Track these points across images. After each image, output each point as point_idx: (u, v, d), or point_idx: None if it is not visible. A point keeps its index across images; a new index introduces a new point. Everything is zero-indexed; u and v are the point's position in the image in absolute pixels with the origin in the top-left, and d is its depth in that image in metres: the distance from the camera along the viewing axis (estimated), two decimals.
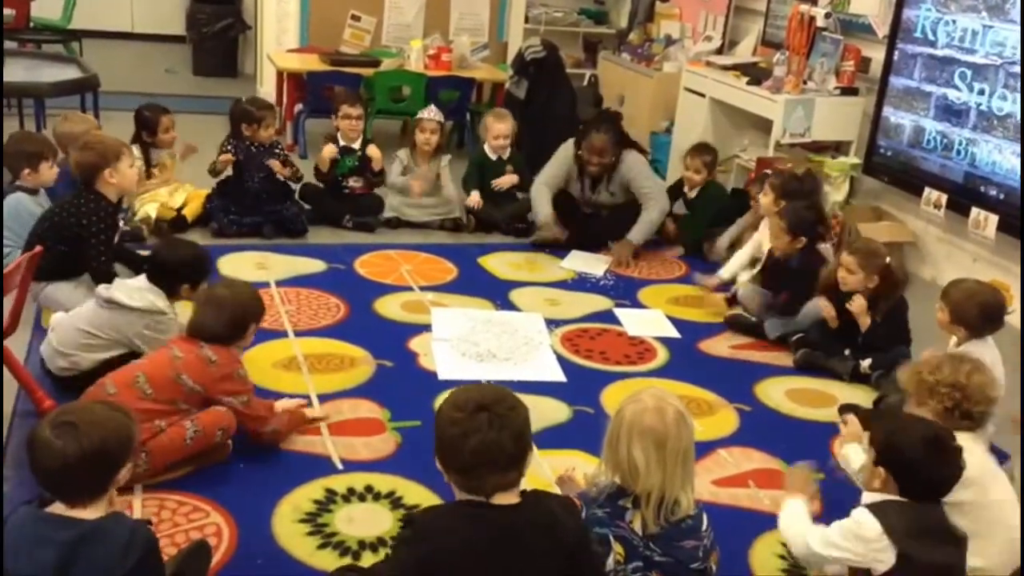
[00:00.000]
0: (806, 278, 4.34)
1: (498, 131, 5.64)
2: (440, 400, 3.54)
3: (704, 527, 2.33)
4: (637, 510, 2.29)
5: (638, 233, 5.28)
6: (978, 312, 3.43)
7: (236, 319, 3.08)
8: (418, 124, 5.57)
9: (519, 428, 2.04)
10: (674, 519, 2.28)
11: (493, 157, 5.69)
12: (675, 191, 5.64)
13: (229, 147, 5.12)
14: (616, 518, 2.31)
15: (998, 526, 2.57)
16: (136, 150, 4.93)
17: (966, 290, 3.49)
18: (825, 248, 4.59)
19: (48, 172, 4.26)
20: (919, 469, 2.32)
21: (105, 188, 3.86)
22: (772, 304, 4.49)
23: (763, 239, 4.76)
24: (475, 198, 5.56)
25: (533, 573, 2.04)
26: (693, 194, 5.56)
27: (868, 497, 2.42)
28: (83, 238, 3.79)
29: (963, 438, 2.42)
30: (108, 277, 3.71)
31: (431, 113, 5.58)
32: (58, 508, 2.07)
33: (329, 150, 5.37)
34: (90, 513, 2.06)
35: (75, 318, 3.41)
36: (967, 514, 2.47)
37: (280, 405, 3.32)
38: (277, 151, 5.22)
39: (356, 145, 5.46)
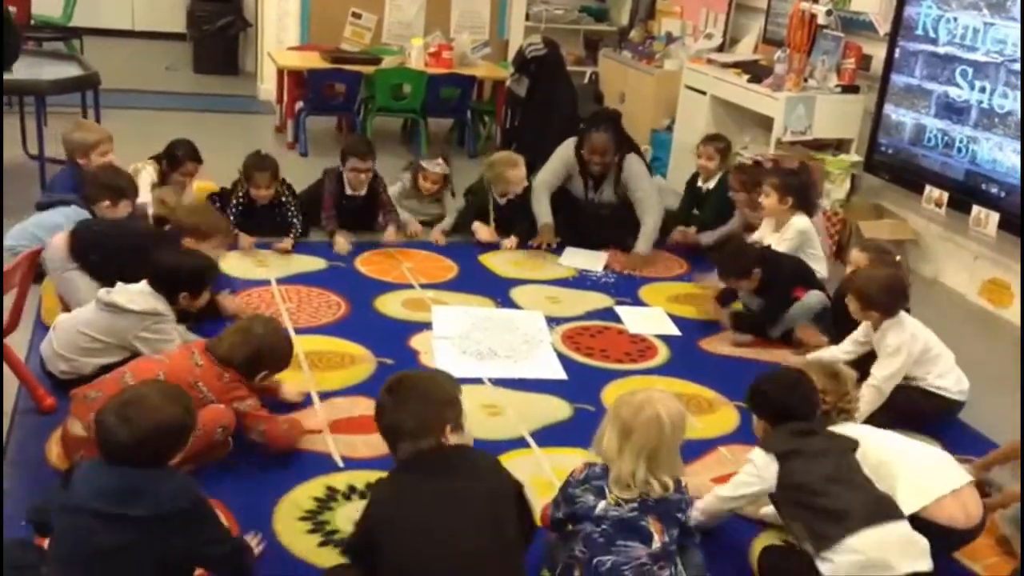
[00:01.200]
0: (788, 281, 4.37)
1: (517, 178, 5.36)
2: None
3: (683, 483, 2.52)
4: None
5: (643, 243, 5.20)
6: (882, 291, 3.61)
7: (252, 358, 3.12)
8: (422, 171, 5.46)
9: (418, 406, 2.38)
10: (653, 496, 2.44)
11: (502, 202, 5.45)
12: (690, 186, 5.63)
13: (240, 194, 5.02)
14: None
15: (898, 479, 2.77)
16: (153, 168, 4.94)
17: (866, 276, 3.72)
18: (815, 220, 4.76)
19: (123, 209, 4.29)
20: (779, 402, 2.82)
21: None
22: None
23: (763, 239, 4.77)
24: (485, 234, 5.34)
25: (475, 500, 2.31)
26: (709, 185, 5.51)
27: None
28: (128, 263, 3.68)
29: (846, 427, 2.85)
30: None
31: (438, 168, 5.43)
32: None
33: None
34: None
35: (75, 320, 3.41)
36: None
37: (285, 392, 3.45)
38: (282, 207, 5.08)
39: (362, 193, 5.29)
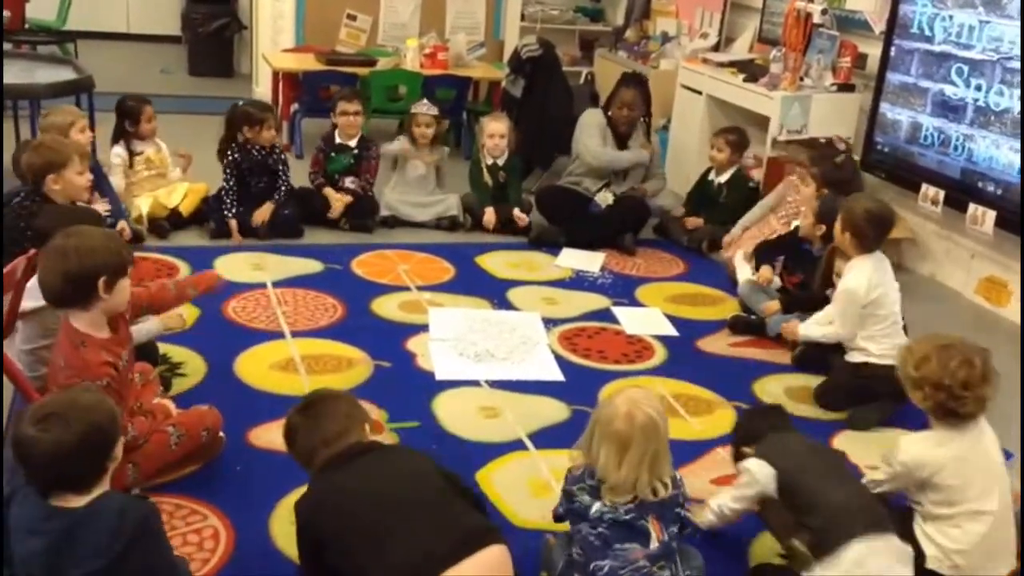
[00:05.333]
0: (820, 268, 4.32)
1: (493, 129, 5.58)
2: (438, 400, 3.58)
3: (679, 478, 2.49)
4: None
5: (650, 187, 5.65)
6: (865, 217, 3.68)
7: (76, 274, 2.58)
8: (413, 119, 5.58)
9: (332, 418, 2.46)
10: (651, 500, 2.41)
11: (488, 161, 5.63)
12: (702, 179, 5.65)
13: (232, 152, 5.06)
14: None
15: (968, 519, 2.60)
16: (121, 147, 4.98)
17: (855, 198, 3.87)
18: None
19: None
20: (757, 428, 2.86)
21: (51, 192, 3.79)
22: (782, 288, 4.48)
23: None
24: (491, 217, 5.51)
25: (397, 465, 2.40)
26: (721, 179, 5.53)
27: None
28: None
29: (937, 435, 2.67)
30: None
31: (424, 108, 5.60)
32: (58, 496, 2.08)
33: (335, 198, 5.34)
34: (87, 498, 2.07)
35: (16, 342, 3.23)
36: (940, 492, 2.61)
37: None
38: (276, 155, 5.19)
39: (353, 143, 5.42)
